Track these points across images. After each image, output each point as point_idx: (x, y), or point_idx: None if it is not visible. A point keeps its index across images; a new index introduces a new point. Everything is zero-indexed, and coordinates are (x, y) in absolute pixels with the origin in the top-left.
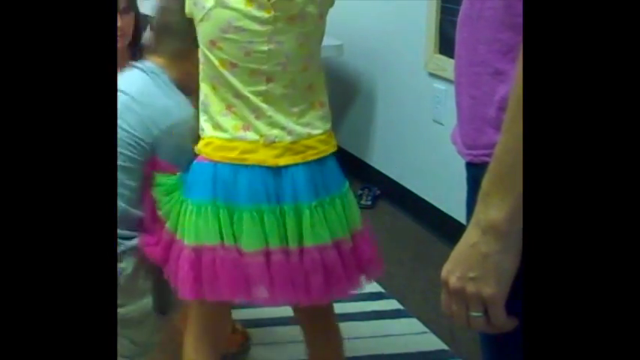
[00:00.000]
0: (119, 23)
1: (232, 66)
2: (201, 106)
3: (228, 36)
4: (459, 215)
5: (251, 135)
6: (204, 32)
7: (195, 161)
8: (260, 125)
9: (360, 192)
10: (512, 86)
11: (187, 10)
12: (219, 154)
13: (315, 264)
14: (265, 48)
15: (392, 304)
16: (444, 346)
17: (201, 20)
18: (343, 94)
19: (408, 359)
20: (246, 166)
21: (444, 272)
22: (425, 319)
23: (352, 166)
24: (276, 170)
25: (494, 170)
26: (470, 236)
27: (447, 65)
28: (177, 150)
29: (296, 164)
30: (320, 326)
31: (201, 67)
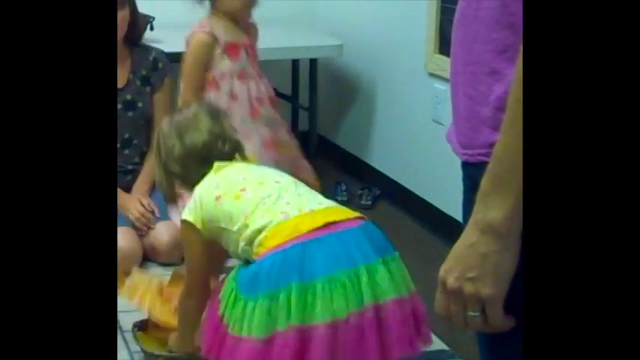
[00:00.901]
0: None
1: (243, 190)
2: (245, 244)
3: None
4: (459, 215)
5: (291, 212)
6: (207, 206)
7: (254, 263)
8: (293, 205)
9: (359, 192)
10: (512, 86)
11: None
12: (273, 241)
13: (395, 317)
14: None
15: None
16: (444, 346)
17: (202, 205)
18: (343, 94)
19: (408, 359)
20: (310, 240)
21: (441, 272)
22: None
23: (352, 166)
24: (338, 235)
25: (494, 170)
26: (468, 236)
27: (447, 65)
28: None
29: (353, 227)
30: None
31: (232, 239)
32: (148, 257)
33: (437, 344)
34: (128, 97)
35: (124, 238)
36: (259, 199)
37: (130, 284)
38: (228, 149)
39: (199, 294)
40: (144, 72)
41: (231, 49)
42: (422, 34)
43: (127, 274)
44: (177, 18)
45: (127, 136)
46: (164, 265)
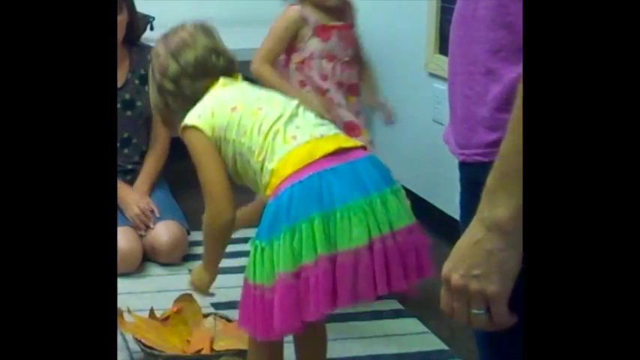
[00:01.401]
0: None
1: (259, 108)
2: (256, 166)
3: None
4: (459, 215)
5: (301, 138)
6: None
7: (270, 200)
8: (303, 129)
9: None
10: (519, 84)
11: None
12: (286, 169)
13: (407, 245)
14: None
15: (392, 304)
16: (444, 346)
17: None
18: None
19: (408, 359)
20: (325, 170)
21: (445, 270)
22: (425, 319)
23: None
24: (350, 165)
25: (500, 168)
26: (473, 233)
27: (447, 65)
28: None
29: (361, 158)
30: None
31: (242, 155)
32: (148, 257)
33: (437, 344)
34: (127, 96)
35: (124, 238)
36: (274, 118)
37: (130, 322)
38: (223, 63)
39: (227, 206)
40: (142, 71)
41: (321, 30)
42: (422, 34)
43: (127, 274)
44: (177, 18)
45: (125, 135)
46: (164, 265)
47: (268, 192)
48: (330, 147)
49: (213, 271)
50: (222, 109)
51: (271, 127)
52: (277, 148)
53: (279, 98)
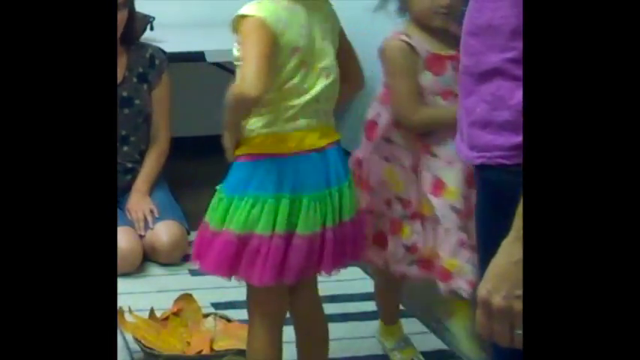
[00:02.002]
0: None
1: (305, 68)
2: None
3: None
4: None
5: (300, 123)
6: None
7: (243, 160)
8: (308, 115)
9: None
10: None
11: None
12: (274, 148)
13: (351, 233)
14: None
15: None
16: (444, 346)
17: None
18: None
19: None
20: (306, 156)
21: (482, 292)
22: (425, 319)
23: None
24: (323, 155)
25: None
26: (512, 253)
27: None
28: None
29: (332, 148)
30: (313, 325)
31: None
32: (148, 257)
33: (437, 344)
34: (124, 94)
35: (124, 238)
36: (301, 90)
37: (131, 321)
38: None
39: (255, 86)
40: (140, 69)
41: (434, 62)
42: None
43: (127, 274)
44: (177, 18)
45: (123, 133)
46: (164, 265)
47: (244, 149)
48: (316, 143)
49: (234, 135)
50: (291, 38)
51: (290, 97)
52: (278, 121)
53: (327, 62)
